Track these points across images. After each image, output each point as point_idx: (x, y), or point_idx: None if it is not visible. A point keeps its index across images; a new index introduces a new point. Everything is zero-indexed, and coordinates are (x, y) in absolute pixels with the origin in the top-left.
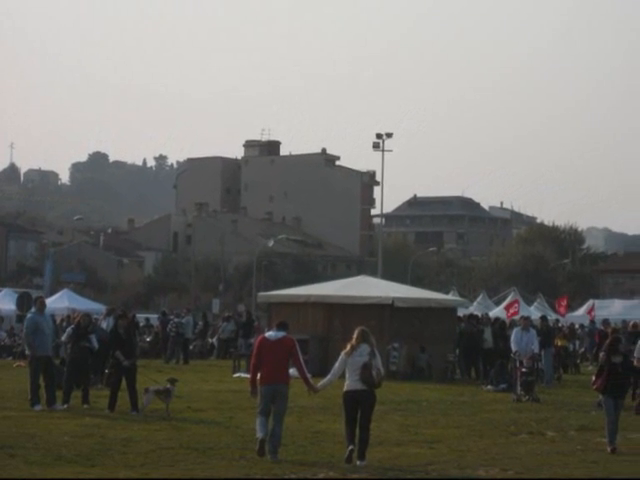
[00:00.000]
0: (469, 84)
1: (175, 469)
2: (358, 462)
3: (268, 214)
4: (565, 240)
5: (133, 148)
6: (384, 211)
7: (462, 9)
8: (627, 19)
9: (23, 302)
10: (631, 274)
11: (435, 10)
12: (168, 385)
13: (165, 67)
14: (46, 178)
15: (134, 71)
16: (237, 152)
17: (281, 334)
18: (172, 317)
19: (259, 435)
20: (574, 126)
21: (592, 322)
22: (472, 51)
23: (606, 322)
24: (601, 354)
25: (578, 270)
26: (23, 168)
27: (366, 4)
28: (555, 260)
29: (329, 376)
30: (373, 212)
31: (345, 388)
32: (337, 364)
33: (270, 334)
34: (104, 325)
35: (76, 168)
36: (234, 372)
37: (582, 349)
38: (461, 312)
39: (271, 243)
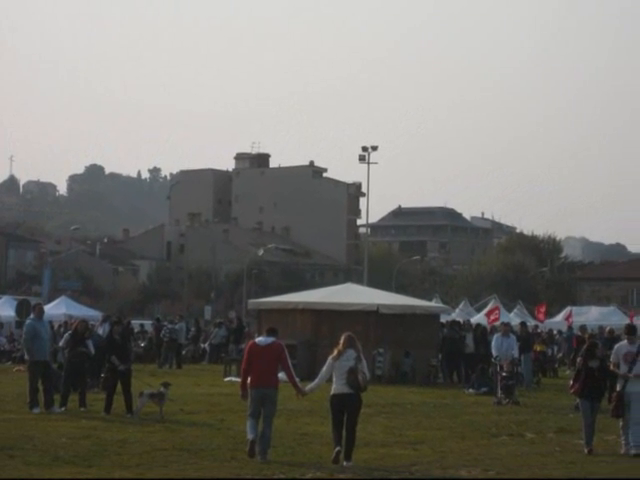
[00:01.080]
0: (451, 100)
1: (169, 469)
2: (345, 463)
3: (258, 224)
4: (544, 249)
5: (128, 161)
6: (370, 221)
7: (448, 26)
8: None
9: (22, 309)
10: (607, 282)
11: (420, 27)
12: (162, 389)
13: (159, 83)
14: (44, 189)
15: (129, 87)
16: (228, 164)
17: (270, 340)
18: (166, 323)
19: (249, 437)
20: (552, 140)
21: (570, 328)
22: (453, 67)
23: (583, 328)
24: (578, 359)
25: (556, 278)
26: (22, 180)
27: (353, 21)
28: (534, 268)
29: (317, 380)
30: (359, 222)
31: (332, 392)
32: (324, 368)
33: (260, 340)
34: (100, 331)
35: (73, 180)
36: (225, 376)
37: (560, 354)
38: (444, 318)
39: (261, 252)
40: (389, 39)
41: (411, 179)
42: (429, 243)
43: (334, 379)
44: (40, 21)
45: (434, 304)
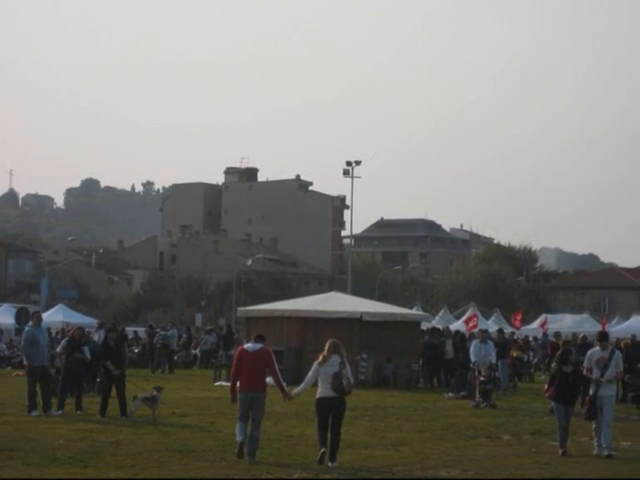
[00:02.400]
0: (432, 117)
1: (161, 470)
2: (329, 463)
3: (247, 235)
4: (520, 259)
5: (123, 175)
6: (353, 232)
7: (431, 44)
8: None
9: (21, 316)
10: (580, 291)
11: (404, 45)
12: (155, 392)
13: (152, 100)
14: (42, 202)
15: (123, 103)
16: (218, 178)
17: (258, 346)
18: (158, 330)
19: (238, 439)
20: (527, 155)
21: (545, 335)
22: (434, 85)
23: (558, 335)
24: (553, 364)
25: (532, 287)
26: (21, 193)
27: (339, 38)
28: (511, 278)
29: (303, 384)
30: (343, 233)
31: (318, 395)
32: (310, 373)
33: (248, 346)
34: (96, 337)
35: (70, 193)
36: (215, 381)
37: (535, 360)
38: (424, 325)
39: (249, 262)
40: (373, 57)
41: (393, 192)
42: (410, 253)
43: (319, 383)
44: (39, 36)
45: (415, 312)
